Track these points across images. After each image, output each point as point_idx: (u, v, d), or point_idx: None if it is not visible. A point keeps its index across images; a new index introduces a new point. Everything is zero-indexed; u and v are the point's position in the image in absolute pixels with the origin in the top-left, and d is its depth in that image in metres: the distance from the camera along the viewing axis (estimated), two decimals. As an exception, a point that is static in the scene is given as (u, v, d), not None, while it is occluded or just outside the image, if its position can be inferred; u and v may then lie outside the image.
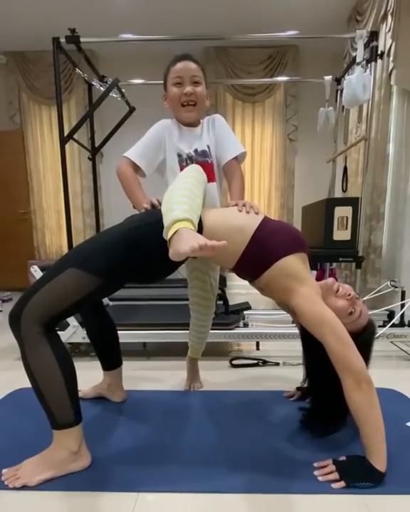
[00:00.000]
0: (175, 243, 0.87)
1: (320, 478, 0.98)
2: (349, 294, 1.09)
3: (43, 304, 0.96)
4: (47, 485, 0.98)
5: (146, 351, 2.05)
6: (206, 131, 1.38)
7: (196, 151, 1.35)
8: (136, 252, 1.02)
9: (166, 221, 0.93)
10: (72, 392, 0.99)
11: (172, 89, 1.30)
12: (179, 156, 1.34)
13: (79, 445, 1.02)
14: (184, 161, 1.34)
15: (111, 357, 1.42)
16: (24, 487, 0.96)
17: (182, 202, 0.97)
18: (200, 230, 1.04)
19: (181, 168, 1.31)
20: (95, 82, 2.99)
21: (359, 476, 0.96)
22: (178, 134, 1.35)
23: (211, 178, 1.33)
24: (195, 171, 1.17)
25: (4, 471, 1.00)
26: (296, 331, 1.97)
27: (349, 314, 1.07)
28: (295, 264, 1.06)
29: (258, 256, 1.06)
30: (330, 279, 1.12)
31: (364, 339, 1.03)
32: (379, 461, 0.94)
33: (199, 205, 1.03)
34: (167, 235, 0.91)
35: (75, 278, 0.98)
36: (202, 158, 1.35)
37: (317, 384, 1.17)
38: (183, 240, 0.85)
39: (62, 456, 1.00)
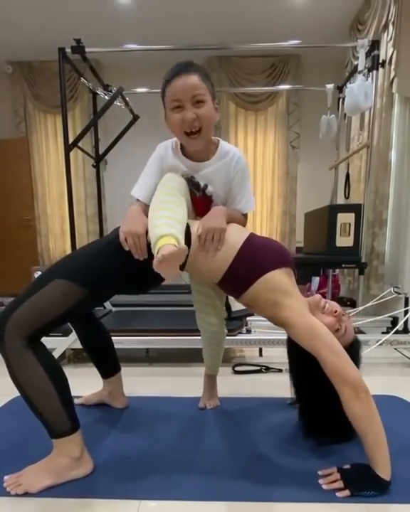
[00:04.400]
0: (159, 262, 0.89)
1: (325, 487, 0.97)
2: (336, 311, 1.09)
3: (27, 318, 0.95)
4: (48, 491, 0.97)
5: (148, 357, 2.05)
6: (218, 171, 1.14)
7: (205, 187, 1.17)
8: (122, 261, 1.02)
9: (151, 236, 0.94)
10: (66, 400, 0.97)
11: (171, 116, 1.05)
12: None
13: (80, 451, 1.02)
14: None
15: (108, 364, 1.42)
16: (25, 494, 0.96)
17: (165, 216, 0.96)
18: (188, 241, 1.03)
19: None
20: (100, 91, 3.03)
21: (364, 484, 0.95)
22: (174, 162, 1.15)
23: (198, 211, 1.20)
24: (172, 180, 1.09)
25: (6, 477, 1.00)
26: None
27: (336, 331, 1.06)
28: (280, 279, 1.05)
29: (243, 271, 1.06)
30: (317, 296, 1.12)
31: (350, 355, 1.01)
32: (384, 470, 0.93)
33: (183, 213, 1.01)
34: (154, 250, 0.91)
35: (61, 289, 0.97)
36: (202, 200, 1.19)
37: (307, 397, 1.15)
38: (166, 261, 0.87)
39: (63, 463, 1.00)
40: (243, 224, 1.23)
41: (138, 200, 1.16)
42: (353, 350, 1.10)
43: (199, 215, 1.17)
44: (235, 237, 1.09)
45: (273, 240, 1.19)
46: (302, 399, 1.18)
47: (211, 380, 1.49)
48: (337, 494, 0.94)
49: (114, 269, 1.03)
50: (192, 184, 1.16)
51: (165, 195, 1.04)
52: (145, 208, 1.10)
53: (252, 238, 1.11)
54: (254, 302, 1.09)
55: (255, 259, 1.06)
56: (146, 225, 0.99)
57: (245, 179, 1.19)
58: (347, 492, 0.94)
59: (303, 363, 1.04)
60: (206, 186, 1.16)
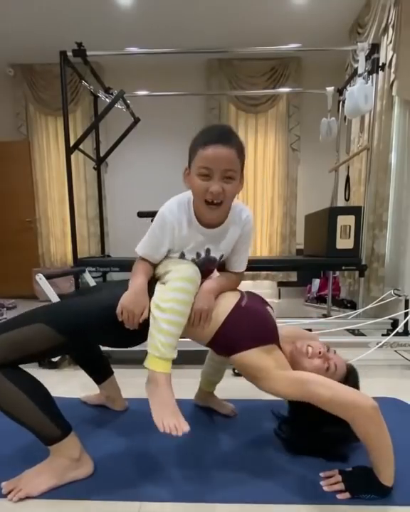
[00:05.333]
0: (152, 395, 0.97)
1: (326, 488, 0.97)
2: (320, 352, 1.09)
3: (1, 349, 0.95)
4: (48, 493, 0.98)
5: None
6: (229, 233, 1.12)
7: (207, 252, 1.13)
8: (110, 326, 1.03)
9: (149, 348, 0.99)
10: (47, 409, 0.97)
11: (197, 180, 0.99)
12: (182, 255, 1.14)
13: (79, 452, 1.02)
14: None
15: (99, 372, 1.43)
16: (26, 496, 0.96)
17: (169, 332, 0.98)
18: None
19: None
20: (101, 94, 3.05)
21: (365, 487, 0.95)
22: (188, 233, 1.08)
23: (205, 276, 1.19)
24: (190, 281, 1.04)
25: (3, 484, 0.99)
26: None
27: (326, 370, 1.06)
28: (255, 358, 1.01)
29: (222, 345, 1.08)
30: (298, 343, 1.12)
31: (349, 385, 0.98)
32: (388, 479, 0.93)
33: (187, 313, 1.03)
34: (147, 365, 0.99)
35: (41, 333, 0.98)
36: (208, 265, 1.17)
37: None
38: (156, 387, 0.97)
39: (63, 465, 1.00)
40: (237, 283, 1.22)
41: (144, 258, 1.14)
42: (351, 380, 1.10)
43: (203, 277, 1.15)
44: (220, 311, 1.08)
45: (262, 309, 1.14)
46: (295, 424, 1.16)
47: (207, 398, 1.47)
48: (338, 496, 0.94)
49: (102, 330, 1.06)
50: (209, 261, 1.15)
51: (182, 292, 1.02)
52: (151, 269, 1.12)
53: (235, 313, 1.07)
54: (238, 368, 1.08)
55: (234, 336, 1.05)
56: (147, 307, 1.02)
57: (250, 240, 1.19)
58: (347, 494, 0.94)
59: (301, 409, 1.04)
60: (221, 257, 1.16)
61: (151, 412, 0.94)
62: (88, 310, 1.04)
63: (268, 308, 1.19)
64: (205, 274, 1.16)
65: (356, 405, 0.89)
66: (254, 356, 1.01)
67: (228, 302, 1.10)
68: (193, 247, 1.11)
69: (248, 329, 1.05)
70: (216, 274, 1.24)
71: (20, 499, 0.95)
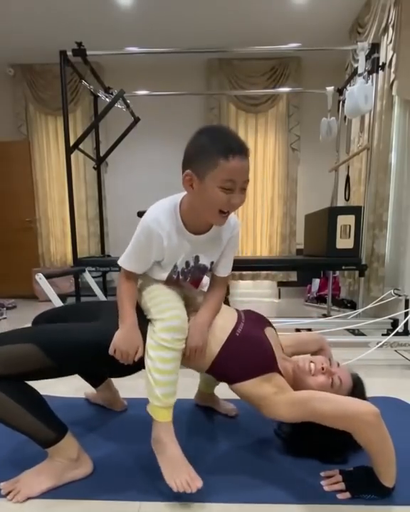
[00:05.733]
0: (160, 454, 0.98)
1: (326, 488, 0.97)
2: (323, 368, 1.07)
3: None
4: (48, 493, 0.97)
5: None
6: (217, 239, 1.08)
7: (196, 259, 1.09)
8: (102, 361, 1.02)
9: (149, 397, 0.99)
10: (39, 413, 0.97)
11: (218, 193, 0.91)
12: (174, 267, 1.08)
13: (77, 452, 1.02)
14: (176, 274, 1.09)
15: (94, 376, 1.42)
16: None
17: (166, 382, 0.97)
18: None
19: (169, 282, 1.10)
20: (101, 94, 3.05)
21: (366, 487, 0.95)
22: (178, 243, 1.03)
23: (194, 287, 1.18)
24: (177, 331, 1.00)
25: (2, 484, 0.99)
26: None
27: (331, 386, 1.05)
28: (253, 389, 1.01)
29: (219, 375, 1.08)
30: (300, 362, 1.10)
31: (357, 397, 0.97)
32: (389, 480, 0.93)
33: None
34: (150, 412, 0.99)
35: (29, 352, 0.95)
36: (198, 274, 1.14)
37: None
38: (161, 445, 0.98)
39: (62, 465, 1.00)
40: (224, 290, 1.19)
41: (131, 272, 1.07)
42: (357, 391, 1.07)
43: (192, 284, 1.16)
44: (215, 342, 1.05)
45: (257, 337, 1.09)
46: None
47: (207, 398, 1.45)
48: (338, 496, 0.94)
49: (94, 364, 1.05)
50: (199, 269, 1.12)
51: (179, 332, 1.00)
52: (136, 289, 1.08)
53: (230, 344, 1.05)
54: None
55: (230, 367, 1.04)
56: (141, 345, 1.00)
57: (237, 246, 1.17)
58: (347, 494, 0.94)
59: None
60: (211, 264, 1.13)
61: (162, 472, 0.95)
62: (85, 343, 1.00)
63: (267, 329, 1.15)
64: (195, 282, 1.15)
65: (358, 415, 0.88)
66: (253, 386, 1.01)
67: (222, 332, 1.07)
68: (183, 258, 1.07)
69: (243, 361, 1.03)
70: (205, 279, 1.22)
71: (19, 501, 0.95)
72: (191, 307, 1.12)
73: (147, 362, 0.99)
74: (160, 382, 0.97)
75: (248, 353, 1.04)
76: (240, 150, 0.90)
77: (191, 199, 0.98)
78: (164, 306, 1.03)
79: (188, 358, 1.04)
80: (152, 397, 0.98)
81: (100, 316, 1.09)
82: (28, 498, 0.96)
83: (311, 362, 1.10)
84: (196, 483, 0.92)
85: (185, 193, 1.01)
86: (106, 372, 1.18)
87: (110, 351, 0.98)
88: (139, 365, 1.03)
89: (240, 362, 1.03)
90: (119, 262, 1.05)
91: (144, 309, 1.08)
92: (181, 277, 1.11)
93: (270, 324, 1.21)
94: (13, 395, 0.94)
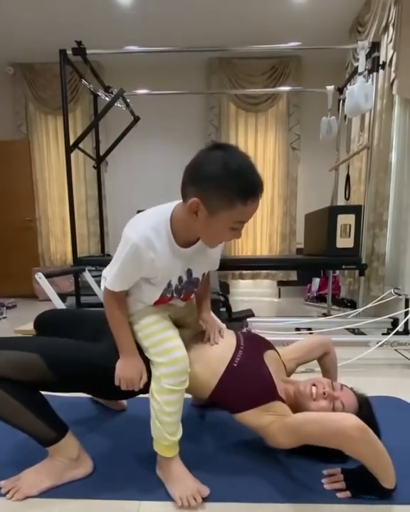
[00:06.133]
0: (170, 482, 0.97)
1: (327, 486, 0.97)
2: (324, 392, 1.05)
3: None
4: (48, 493, 0.97)
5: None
6: (205, 248, 1.01)
7: (189, 273, 1.04)
8: (106, 387, 1.01)
9: (154, 436, 0.98)
10: (43, 414, 0.97)
11: (226, 232, 0.89)
12: (168, 285, 1.01)
13: (77, 452, 1.02)
14: (170, 292, 1.03)
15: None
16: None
17: (171, 422, 0.96)
18: None
19: (161, 301, 1.04)
20: (101, 93, 3.05)
21: (367, 487, 0.94)
22: (171, 260, 0.96)
23: (186, 300, 1.13)
24: (180, 374, 0.97)
25: (2, 482, 0.99)
26: (299, 338, 1.96)
27: (333, 411, 1.03)
28: (252, 419, 1.01)
29: (220, 404, 1.07)
30: (301, 386, 1.09)
31: (363, 420, 0.91)
32: (388, 482, 0.92)
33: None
34: (158, 451, 0.98)
35: (34, 363, 0.93)
36: (190, 288, 1.08)
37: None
38: (169, 474, 0.98)
39: (62, 464, 1.00)
40: (209, 283, 1.20)
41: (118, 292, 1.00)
42: (363, 413, 1.02)
43: (185, 300, 1.11)
44: (213, 374, 1.04)
45: (255, 366, 1.07)
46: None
47: None
48: (338, 495, 0.94)
49: (99, 385, 1.02)
50: (192, 283, 1.07)
51: (183, 374, 0.97)
52: (127, 309, 1.03)
53: (227, 376, 1.03)
54: None
55: (228, 399, 1.04)
56: (144, 370, 0.99)
57: (222, 244, 1.09)
58: (348, 493, 0.94)
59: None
60: (203, 275, 1.11)
61: (170, 492, 0.96)
62: (89, 366, 0.99)
63: (267, 353, 1.12)
64: (186, 297, 1.10)
65: (342, 431, 0.86)
66: (253, 416, 1.01)
67: (220, 363, 1.04)
68: (177, 275, 1.01)
69: (242, 392, 1.02)
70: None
71: (19, 499, 0.95)
72: (186, 329, 1.12)
73: (153, 405, 0.97)
74: (167, 423, 0.96)
75: (246, 384, 1.02)
76: (259, 192, 0.84)
77: (190, 223, 0.89)
78: (162, 347, 0.98)
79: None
80: (161, 438, 0.97)
81: (106, 332, 1.04)
82: (27, 497, 0.96)
83: (313, 385, 1.08)
84: (202, 492, 0.93)
85: (172, 205, 0.95)
86: (106, 395, 1.16)
87: (116, 382, 0.97)
88: (140, 391, 1.01)
89: (239, 393, 1.02)
90: (108, 287, 0.97)
91: (139, 344, 1.02)
92: (175, 295, 1.05)
93: (271, 347, 1.19)
94: (15, 393, 0.93)
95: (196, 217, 0.86)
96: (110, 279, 0.96)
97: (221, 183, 0.81)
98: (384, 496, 0.93)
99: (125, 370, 0.97)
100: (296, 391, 1.09)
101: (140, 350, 1.02)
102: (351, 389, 1.12)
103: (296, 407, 1.05)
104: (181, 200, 0.92)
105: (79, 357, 0.98)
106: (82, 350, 1.01)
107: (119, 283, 0.96)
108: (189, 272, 1.03)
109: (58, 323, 1.23)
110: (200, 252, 1.01)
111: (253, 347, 1.13)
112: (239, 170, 0.82)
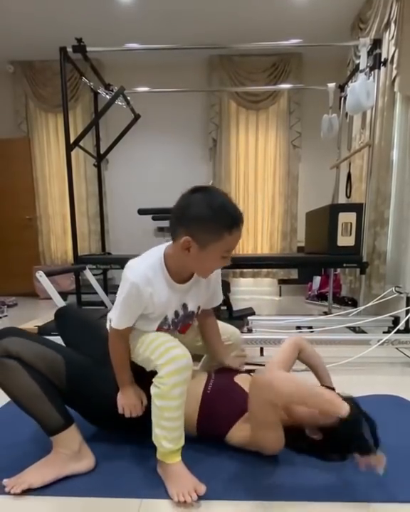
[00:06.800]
0: (169, 480, 0.98)
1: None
2: None
3: (18, 350, 0.99)
4: (49, 490, 0.98)
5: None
6: (200, 281, 1.11)
7: (185, 307, 1.11)
8: (109, 413, 1.08)
9: (156, 443, 0.99)
10: (56, 401, 1.01)
11: (217, 260, 0.99)
12: (164, 319, 1.09)
13: (78, 444, 1.03)
14: (167, 325, 1.10)
15: None
16: (27, 492, 0.96)
17: (173, 427, 0.98)
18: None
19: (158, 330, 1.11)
20: (101, 91, 3.04)
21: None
22: (168, 296, 1.04)
23: (183, 332, 1.20)
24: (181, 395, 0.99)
25: (5, 481, 0.99)
26: (300, 336, 1.96)
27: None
28: (239, 433, 1.08)
29: (209, 435, 1.13)
30: None
31: (348, 424, 0.92)
32: (336, 408, 0.90)
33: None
34: (161, 458, 0.99)
35: (58, 363, 1.04)
36: (186, 321, 1.16)
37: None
38: (168, 472, 0.98)
39: (64, 457, 1.01)
40: (216, 321, 1.27)
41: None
42: (354, 414, 0.94)
43: (181, 332, 1.18)
44: (190, 410, 1.09)
45: (226, 385, 1.17)
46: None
47: None
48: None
49: (103, 409, 1.10)
50: (187, 317, 1.14)
51: (184, 385, 0.99)
52: (128, 349, 1.08)
53: (204, 405, 1.11)
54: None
55: (213, 426, 1.10)
56: (143, 394, 1.07)
57: (219, 276, 1.20)
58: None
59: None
60: (198, 308, 1.16)
61: (167, 488, 0.97)
62: (100, 393, 1.08)
63: (238, 376, 1.20)
64: (183, 329, 1.17)
65: (263, 392, 0.93)
66: (239, 431, 1.07)
67: (194, 397, 1.10)
68: (173, 309, 1.08)
69: (222, 413, 1.09)
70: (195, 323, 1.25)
71: (23, 491, 0.95)
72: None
73: (154, 411, 0.98)
74: (166, 429, 0.97)
75: (222, 404, 1.10)
76: (241, 222, 0.95)
77: (183, 259, 0.98)
78: (163, 348, 0.99)
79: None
80: (160, 445, 0.98)
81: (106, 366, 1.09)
82: (30, 489, 0.96)
83: None
84: (198, 490, 0.93)
85: (162, 246, 1.05)
86: (107, 426, 1.20)
87: (119, 411, 1.05)
88: (140, 421, 1.06)
89: (219, 415, 1.09)
90: (114, 326, 1.03)
91: (142, 364, 1.07)
92: (171, 327, 1.12)
93: (244, 371, 1.27)
94: (38, 379, 0.99)
95: (189, 253, 0.96)
96: (115, 318, 1.03)
97: (208, 220, 0.92)
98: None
99: (126, 398, 1.06)
100: None
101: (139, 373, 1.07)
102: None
103: (288, 413, 1.08)
104: (169, 242, 1.03)
105: (99, 385, 1.08)
106: (102, 377, 1.09)
107: (124, 320, 1.03)
108: (185, 306, 1.11)
109: (75, 324, 1.34)
110: (194, 286, 1.09)
111: (224, 374, 1.22)
112: (221, 207, 0.93)
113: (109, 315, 1.06)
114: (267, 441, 1.03)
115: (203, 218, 0.92)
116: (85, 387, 1.06)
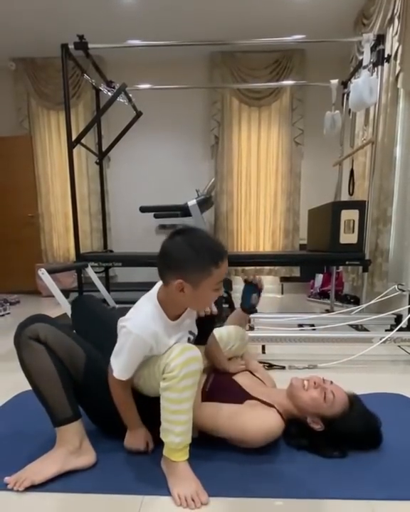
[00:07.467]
0: (172, 479, 0.98)
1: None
2: (315, 382, 1.14)
3: (44, 335, 1.04)
4: (51, 486, 0.98)
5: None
6: (189, 312, 1.12)
7: (192, 333, 1.17)
8: (114, 420, 1.10)
9: (165, 440, 0.98)
10: (69, 391, 1.05)
11: (211, 294, 1.02)
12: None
13: (80, 440, 1.05)
14: None
15: None
16: (29, 488, 0.96)
17: (181, 422, 0.97)
18: None
19: None
20: (103, 88, 3.03)
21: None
22: (171, 334, 1.05)
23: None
24: (193, 385, 0.99)
25: (7, 479, 0.99)
26: (302, 334, 1.96)
27: (324, 400, 1.09)
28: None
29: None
30: (294, 381, 1.17)
31: (357, 415, 1.05)
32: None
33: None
34: (168, 455, 0.99)
35: (79, 357, 1.08)
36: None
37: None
38: (172, 469, 0.99)
39: (65, 452, 1.02)
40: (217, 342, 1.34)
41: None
42: (355, 408, 1.11)
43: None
44: (196, 415, 1.07)
45: (223, 382, 1.25)
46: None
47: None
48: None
49: (107, 414, 1.12)
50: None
51: (191, 389, 0.98)
52: (129, 383, 1.07)
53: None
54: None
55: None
56: (148, 434, 1.11)
57: None
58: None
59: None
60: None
61: (170, 487, 0.96)
62: (104, 405, 1.09)
63: (236, 374, 1.29)
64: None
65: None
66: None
67: (197, 397, 1.09)
68: (186, 337, 1.13)
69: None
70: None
71: (26, 488, 0.96)
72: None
73: (162, 404, 0.97)
74: (173, 422, 0.96)
75: (221, 401, 1.14)
76: (224, 254, 0.99)
77: (180, 300, 1.01)
78: (174, 347, 1.01)
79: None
80: (169, 440, 0.97)
81: None
82: (33, 486, 0.96)
83: (305, 380, 1.17)
84: (202, 498, 0.92)
85: (154, 291, 1.07)
86: (107, 427, 1.23)
87: (126, 450, 1.11)
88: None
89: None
90: (117, 376, 1.02)
91: (147, 380, 1.06)
92: None
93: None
94: (58, 366, 1.04)
95: (184, 294, 0.98)
96: (118, 370, 1.03)
97: (194, 260, 0.95)
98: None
99: (134, 439, 1.11)
100: (290, 386, 1.17)
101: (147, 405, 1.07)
102: None
103: (291, 402, 1.14)
104: (158, 287, 1.07)
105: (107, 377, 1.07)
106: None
107: (128, 372, 1.03)
108: (191, 333, 1.16)
109: (90, 319, 1.39)
110: (188, 314, 1.12)
111: (223, 373, 1.31)
112: (202, 245, 0.97)
113: (111, 360, 1.04)
114: (246, 424, 1.07)
115: (189, 259, 0.95)
116: (97, 387, 1.08)
